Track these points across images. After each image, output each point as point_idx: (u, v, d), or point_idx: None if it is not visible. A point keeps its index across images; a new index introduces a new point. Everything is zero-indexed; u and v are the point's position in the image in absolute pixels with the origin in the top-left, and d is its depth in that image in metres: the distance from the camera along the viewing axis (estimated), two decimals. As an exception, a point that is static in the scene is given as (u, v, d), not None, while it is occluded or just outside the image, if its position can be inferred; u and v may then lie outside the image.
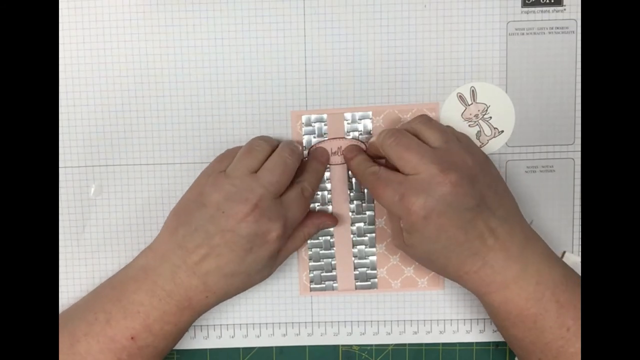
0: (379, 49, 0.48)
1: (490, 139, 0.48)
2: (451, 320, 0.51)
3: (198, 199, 0.44)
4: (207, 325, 0.51)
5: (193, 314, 0.44)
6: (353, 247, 0.50)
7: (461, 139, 0.45)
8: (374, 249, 0.50)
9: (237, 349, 0.51)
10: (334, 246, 0.50)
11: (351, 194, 0.49)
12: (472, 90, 0.46)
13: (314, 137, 0.48)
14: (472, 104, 0.46)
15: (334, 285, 0.50)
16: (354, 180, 0.49)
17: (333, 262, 0.50)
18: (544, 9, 0.48)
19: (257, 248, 0.43)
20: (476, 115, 0.47)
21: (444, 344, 0.51)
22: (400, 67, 0.48)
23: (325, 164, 0.49)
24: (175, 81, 0.48)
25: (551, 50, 0.48)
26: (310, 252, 0.50)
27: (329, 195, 0.49)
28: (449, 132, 0.44)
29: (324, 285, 0.50)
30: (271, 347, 0.51)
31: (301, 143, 0.48)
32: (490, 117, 0.47)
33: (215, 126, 0.49)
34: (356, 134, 0.48)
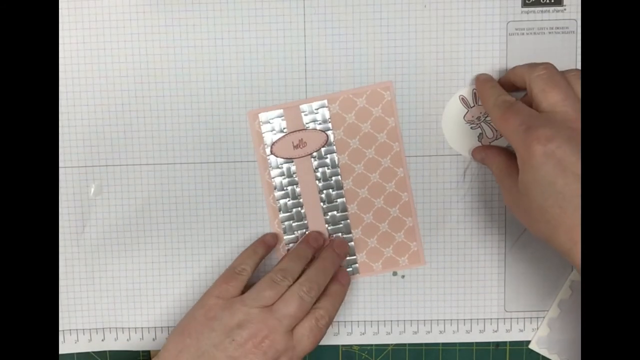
0: (379, 49, 0.48)
1: (492, 141, 0.48)
2: (451, 320, 0.51)
3: (207, 321, 0.44)
4: (207, 325, 0.51)
5: None
6: (330, 237, 0.50)
7: None
8: (350, 235, 0.50)
9: (237, 349, 0.51)
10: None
11: (319, 184, 0.49)
12: (474, 93, 0.46)
13: (274, 134, 0.48)
14: (474, 106, 0.46)
15: None
16: (321, 170, 0.49)
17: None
18: (544, 9, 0.48)
19: None
20: (478, 118, 0.47)
21: (444, 344, 0.51)
22: (400, 67, 0.48)
23: (347, 287, 0.48)
24: (175, 81, 0.48)
25: (551, 51, 0.48)
26: (287, 248, 0.50)
27: (298, 189, 0.49)
28: None
29: None
30: None
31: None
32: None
33: (215, 126, 0.49)
34: (315, 124, 0.48)
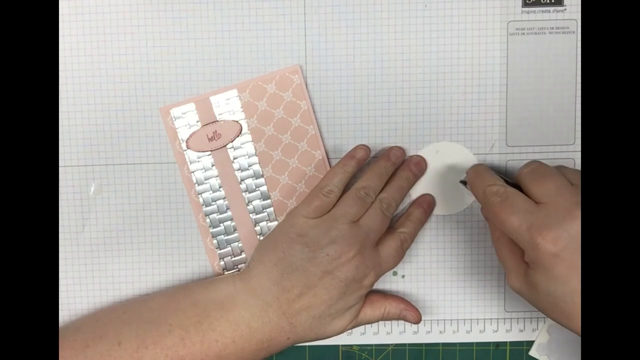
0: (379, 48, 0.48)
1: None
2: (451, 320, 0.51)
3: (300, 239, 0.44)
4: (207, 325, 0.51)
5: (266, 354, 0.44)
6: (255, 226, 0.49)
7: None
8: (276, 222, 0.49)
9: (237, 348, 0.51)
10: (236, 230, 0.49)
11: (239, 174, 0.49)
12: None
13: (187, 128, 0.48)
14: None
15: None
16: (238, 160, 0.48)
17: (240, 245, 0.49)
18: (545, 9, 0.48)
19: (350, 292, 0.44)
20: None
21: (444, 344, 0.51)
22: (400, 66, 0.48)
23: (429, 212, 0.49)
24: (175, 80, 0.48)
25: (551, 50, 0.48)
26: (215, 241, 0.49)
27: (218, 181, 0.49)
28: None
29: (237, 269, 0.50)
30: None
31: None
32: None
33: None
34: (227, 115, 0.48)
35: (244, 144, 0.48)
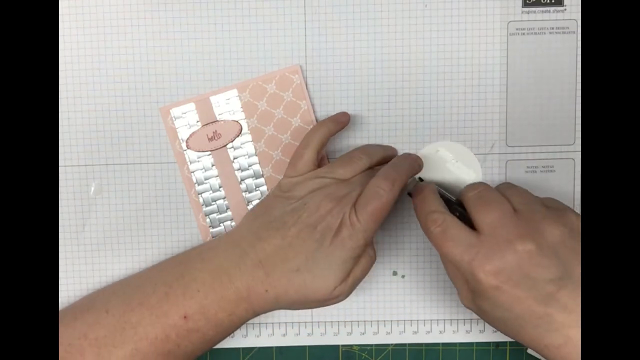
0: (380, 48, 0.48)
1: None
2: (451, 320, 0.51)
3: (282, 194, 0.45)
4: (207, 325, 0.51)
5: (248, 308, 0.43)
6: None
7: (551, 205, 0.42)
8: None
9: (237, 349, 0.51)
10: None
11: (239, 174, 0.49)
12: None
13: (187, 128, 0.48)
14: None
15: None
16: (238, 160, 0.48)
17: None
18: (545, 9, 0.48)
19: (327, 244, 0.42)
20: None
21: (444, 344, 0.51)
22: (400, 67, 0.48)
23: (415, 159, 0.47)
24: (175, 80, 0.48)
25: (551, 50, 0.48)
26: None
27: (219, 181, 0.49)
28: (535, 198, 0.43)
29: None
30: (271, 347, 0.51)
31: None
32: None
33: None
34: (227, 115, 0.48)
35: (244, 143, 0.48)
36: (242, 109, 0.48)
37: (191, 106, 0.48)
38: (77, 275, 0.50)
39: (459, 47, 0.48)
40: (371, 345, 0.51)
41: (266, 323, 0.51)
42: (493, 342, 0.51)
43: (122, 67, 0.48)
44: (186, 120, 0.48)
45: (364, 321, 0.51)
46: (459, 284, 0.42)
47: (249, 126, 0.48)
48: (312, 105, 0.48)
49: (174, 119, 0.48)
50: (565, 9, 0.48)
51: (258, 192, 0.49)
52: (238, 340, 0.51)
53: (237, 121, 0.48)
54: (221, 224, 0.49)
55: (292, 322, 0.51)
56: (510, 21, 0.48)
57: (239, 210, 0.49)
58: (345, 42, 0.48)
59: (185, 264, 0.44)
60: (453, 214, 0.42)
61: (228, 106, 0.48)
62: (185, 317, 0.42)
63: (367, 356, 0.51)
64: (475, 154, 0.49)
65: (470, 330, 0.51)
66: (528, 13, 0.48)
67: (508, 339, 0.51)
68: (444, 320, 0.51)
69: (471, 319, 0.51)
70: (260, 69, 0.48)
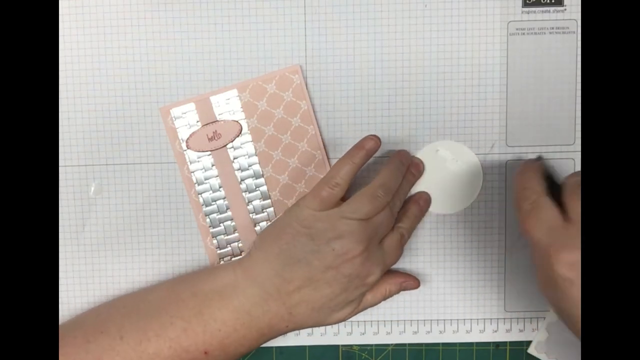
0: (380, 48, 0.48)
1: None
2: (451, 320, 0.51)
3: (305, 231, 0.43)
4: (207, 325, 0.51)
5: (267, 340, 0.45)
6: (255, 226, 0.49)
7: None
8: None
9: (237, 348, 0.51)
10: (237, 230, 0.49)
11: (239, 174, 0.49)
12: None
13: (188, 128, 0.48)
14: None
15: None
16: (238, 160, 0.48)
17: (240, 245, 0.49)
18: (545, 9, 0.48)
19: (352, 288, 0.44)
20: None
21: (444, 344, 0.51)
22: (400, 66, 0.48)
23: (424, 210, 0.49)
24: (175, 80, 0.48)
25: (551, 50, 0.48)
26: (215, 240, 0.49)
27: (219, 181, 0.49)
28: None
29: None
30: (271, 347, 0.51)
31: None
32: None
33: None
34: (227, 115, 0.48)
35: (244, 144, 0.48)
36: (242, 109, 0.48)
37: (191, 106, 0.48)
38: (77, 276, 0.50)
39: (459, 47, 0.48)
40: (371, 345, 0.51)
41: (266, 323, 0.51)
42: (493, 342, 0.51)
43: (122, 67, 0.48)
44: (186, 120, 0.48)
45: (364, 321, 0.51)
46: (537, 267, 0.41)
47: (249, 126, 0.48)
48: (312, 105, 0.48)
49: (174, 119, 0.48)
50: (565, 9, 0.48)
51: (258, 192, 0.49)
52: (238, 340, 0.51)
53: (237, 121, 0.48)
54: (221, 224, 0.49)
55: (292, 322, 0.51)
56: (510, 21, 0.48)
57: (239, 210, 0.49)
58: (345, 42, 0.48)
59: (203, 299, 0.44)
60: (551, 197, 0.41)
61: (228, 106, 0.48)
62: (206, 352, 0.43)
63: (367, 356, 0.51)
64: (475, 154, 0.49)
65: (470, 330, 0.51)
66: (528, 13, 0.48)
67: (508, 339, 0.51)
68: (444, 320, 0.51)
69: (471, 319, 0.51)
70: (260, 69, 0.48)
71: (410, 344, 0.51)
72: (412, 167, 0.48)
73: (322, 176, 0.48)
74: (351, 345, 0.51)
